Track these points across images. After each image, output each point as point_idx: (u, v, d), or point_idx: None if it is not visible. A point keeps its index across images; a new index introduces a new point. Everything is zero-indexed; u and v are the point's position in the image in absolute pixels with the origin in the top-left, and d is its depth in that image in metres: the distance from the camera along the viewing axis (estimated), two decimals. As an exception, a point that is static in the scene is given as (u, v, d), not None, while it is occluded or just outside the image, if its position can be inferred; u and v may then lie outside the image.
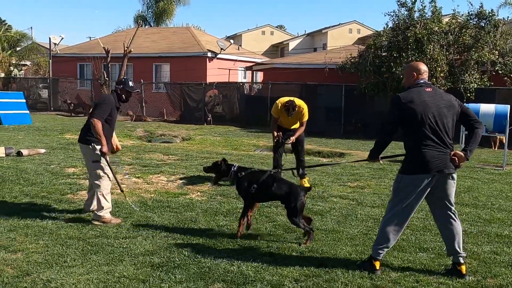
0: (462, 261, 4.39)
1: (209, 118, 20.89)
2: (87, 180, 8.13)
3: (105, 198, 5.85)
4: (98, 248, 4.91)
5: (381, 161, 4.99)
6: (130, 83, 6.16)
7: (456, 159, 4.28)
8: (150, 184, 8.07)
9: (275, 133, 8.20)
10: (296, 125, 8.23)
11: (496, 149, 14.60)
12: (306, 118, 8.19)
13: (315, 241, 5.21)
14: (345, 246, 5.14)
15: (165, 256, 4.69)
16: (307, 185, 8.08)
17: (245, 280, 4.15)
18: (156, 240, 5.18)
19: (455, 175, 4.38)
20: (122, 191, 6.32)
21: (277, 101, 8.27)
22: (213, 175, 5.91)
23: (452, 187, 4.39)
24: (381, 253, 4.48)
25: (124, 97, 6.14)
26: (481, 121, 10.42)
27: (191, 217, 6.11)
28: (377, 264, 4.44)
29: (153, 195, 7.32)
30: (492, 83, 16.58)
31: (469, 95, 15.99)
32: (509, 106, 11.29)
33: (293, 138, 8.07)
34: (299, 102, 8.13)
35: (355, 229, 5.83)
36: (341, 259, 4.75)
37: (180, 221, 5.91)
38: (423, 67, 4.52)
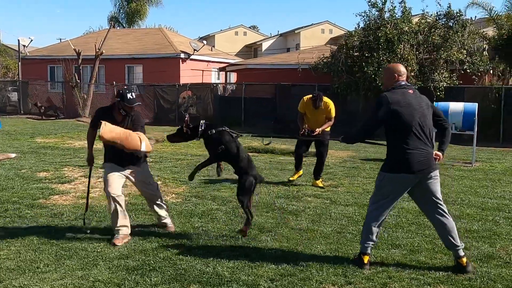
0: (461, 253, 4.51)
1: (186, 119, 20.74)
2: (59, 185, 8.07)
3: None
4: (71, 252, 4.86)
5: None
6: (128, 95, 5.39)
7: (437, 158, 4.48)
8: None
9: (302, 126, 8.31)
10: (323, 121, 8.30)
11: None
12: (333, 114, 8.36)
13: (288, 240, 5.26)
14: (319, 245, 5.21)
15: (140, 259, 4.68)
16: (320, 185, 8.30)
17: (220, 281, 4.17)
18: (131, 244, 5.16)
19: (437, 172, 4.52)
20: (86, 207, 5.83)
21: (303, 97, 8.44)
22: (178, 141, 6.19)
23: (437, 183, 4.54)
24: (368, 247, 4.61)
25: (123, 111, 5.47)
26: (450, 119, 10.70)
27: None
28: (366, 259, 4.57)
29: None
30: (461, 82, 16.98)
31: (438, 93, 16.34)
32: (477, 104, 11.60)
33: (319, 130, 8.14)
34: (325, 98, 8.31)
35: (329, 227, 5.90)
36: (316, 257, 4.80)
37: (154, 224, 5.89)
38: (403, 69, 4.65)
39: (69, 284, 4.07)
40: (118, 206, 5.32)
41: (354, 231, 5.76)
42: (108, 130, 5.13)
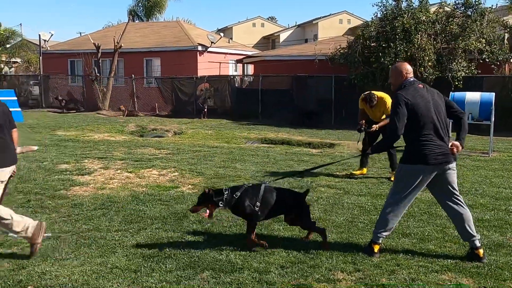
0: (478, 244, 4.58)
1: (205, 111, 21.00)
2: (80, 176, 8.32)
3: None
4: (91, 241, 5.06)
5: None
6: None
7: (455, 149, 4.53)
8: (142, 178, 8.22)
9: (359, 121, 8.42)
10: (383, 117, 8.31)
11: None
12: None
13: (299, 229, 5.37)
14: (330, 234, 5.31)
15: (156, 247, 4.85)
16: (389, 175, 8.37)
17: (233, 268, 4.32)
18: (148, 233, 5.34)
19: (454, 164, 4.59)
20: None
21: (362, 95, 8.51)
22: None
23: (453, 175, 4.62)
24: (380, 237, 4.72)
25: None
26: (467, 108, 10.69)
27: (182, 209, 6.26)
28: (376, 248, 4.68)
29: (144, 188, 7.46)
30: (480, 71, 16.78)
31: (457, 83, 16.18)
32: (494, 93, 11.50)
33: (376, 126, 8.20)
34: (381, 94, 8.29)
35: (341, 217, 6.00)
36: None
37: (171, 214, 6.07)
38: (410, 67, 4.77)
39: (88, 270, 4.26)
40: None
41: (366, 220, 5.86)
42: None
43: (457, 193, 4.68)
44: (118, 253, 4.69)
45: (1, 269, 4.31)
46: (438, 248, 4.91)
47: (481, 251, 4.59)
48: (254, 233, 4.80)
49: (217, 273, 4.22)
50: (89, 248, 4.85)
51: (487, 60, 16.86)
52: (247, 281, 4.04)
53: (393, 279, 4.10)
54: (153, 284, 3.99)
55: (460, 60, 16.62)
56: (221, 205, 4.73)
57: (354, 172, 8.70)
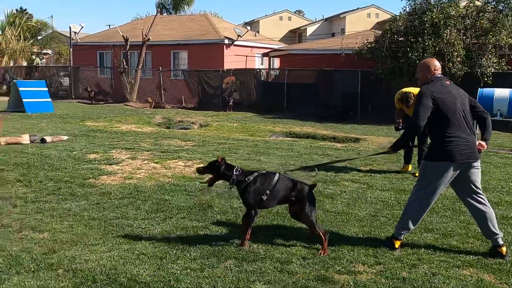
0: (501, 242, 4.58)
1: (230, 104, 21.16)
2: (108, 166, 8.52)
3: None
4: (118, 228, 5.22)
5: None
6: None
7: (481, 148, 4.56)
8: (168, 169, 8.38)
9: (397, 120, 8.51)
10: None
11: None
12: None
13: (322, 222, 5.42)
14: (352, 227, 5.37)
15: (181, 236, 4.98)
16: (414, 170, 8.32)
17: (255, 257, 4.42)
18: (173, 221, 5.48)
19: (478, 162, 4.60)
20: None
21: (397, 93, 8.52)
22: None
23: (477, 174, 4.62)
24: (403, 234, 4.76)
25: None
26: (495, 105, 10.63)
27: (207, 200, 6.38)
28: (397, 244, 4.71)
29: (170, 179, 7.62)
30: (510, 67, 16.46)
31: (486, 79, 15.92)
32: (524, 90, 11.31)
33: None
34: (415, 91, 8.10)
35: (364, 211, 6.04)
36: (348, 239, 4.98)
37: (196, 204, 6.19)
38: (438, 63, 4.80)
39: (116, 256, 4.42)
40: None
41: (388, 215, 5.89)
42: None
43: (480, 191, 4.67)
44: (144, 241, 4.83)
45: (33, 252, 4.49)
46: (461, 244, 4.91)
47: (504, 248, 4.58)
48: (249, 231, 4.70)
49: (240, 262, 4.32)
50: (116, 235, 5.01)
51: (518, 56, 16.54)
52: (269, 271, 4.13)
53: (413, 273, 4.14)
54: (178, 271, 4.12)
55: (490, 56, 16.33)
56: (231, 182, 4.67)
57: (401, 169, 8.71)
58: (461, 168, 4.52)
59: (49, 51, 40.43)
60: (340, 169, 8.62)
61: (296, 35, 50.04)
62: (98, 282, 3.89)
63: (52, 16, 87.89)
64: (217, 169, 4.72)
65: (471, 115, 4.69)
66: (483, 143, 4.61)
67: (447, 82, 4.68)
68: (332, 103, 19.48)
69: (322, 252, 4.52)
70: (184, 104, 23.31)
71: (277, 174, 4.81)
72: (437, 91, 4.51)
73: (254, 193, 4.63)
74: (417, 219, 4.77)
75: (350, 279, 4.00)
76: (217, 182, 4.89)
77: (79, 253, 4.50)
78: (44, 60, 38.67)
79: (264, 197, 4.63)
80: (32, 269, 4.13)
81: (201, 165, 5.31)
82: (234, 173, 4.68)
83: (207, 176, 4.92)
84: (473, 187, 4.62)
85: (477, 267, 4.30)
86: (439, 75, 4.71)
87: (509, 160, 9.93)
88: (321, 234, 4.61)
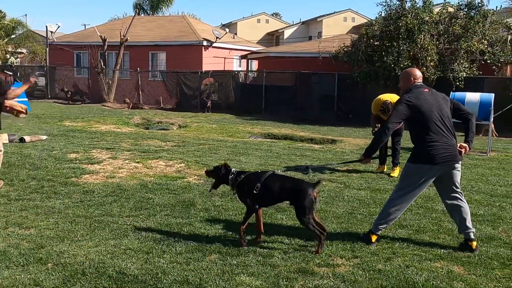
0: (472, 236, 4.85)
1: (208, 105, 21.29)
2: (89, 165, 8.60)
3: None
4: (104, 225, 5.35)
5: (371, 162, 5.43)
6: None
7: (463, 150, 4.79)
8: (149, 169, 8.50)
9: (374, 126, 8.68)
10: None
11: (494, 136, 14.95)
12: None
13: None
14: (331, 224, 5.60)
15: (166, 232, 5.14)
16: (394, 174, 8.43)
17: (239, 252, 4.60)
18: (157, 219, 5.62)
19: (459, 164, 4.85)
20: None
21: (375, 99, 8.72)
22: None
23: (458, 174, 4.88)
24: (380, 229, 5.00)
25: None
26: (467, 108, 10.89)
27: (189, 198, 6.54)
28: (374, 238, 4.96)
29: (152, 178, 7.74)
30: (481, 72, 17.02)
31: (458, 83, 16.42)
32: (493, 94, 11.76)
33: None
34: (392, 98, 8.28)
35: (342, 209, 6.28)
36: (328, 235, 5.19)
37: (178, 202, 6.35)
38: (419, 73, 5.05)
39: (103, 251, 4.55)
40: None
41: (365, 212, 6.14)
42: None
43: (459, 190, 4.95)
44: (130, 236, 4.98)
45: (21, 247, 4.59)
46: (433, 239, 5.18)
47: (474, 243, 4.86)
48: (246, 224, 4.84)
49: (224, 256, 4.50)
50: (102, 231, 5.13)
51: (489, 61, 17.11)
52: (252, 264, 4.32)
53: (388, 265, 4.38)
54: (164, 265, 4.27)
55: (462, 61, 16.86)
56: (230, 185, 4.95)
57: (376, 170, 8.96)
58: (442, 171, 4.77)
59: (24, 50, 39.84)
60: (317, 170, 8.86)
61: (273, 37, 50.38)
62: (87, 275, 4.02)
63: (26, 14, 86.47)
64: (217, 174, 5.05)
65: (456, 117, 4.96)
66: (465, 145, 4.83)
67: (426, 90, 4.92)
68: (309, 105, 19.80)
69: (315, 251, 4.63)
70: (162, 105, 23.34)
71: (270, 171, 5.02)
72: (413, 98, 4.77)
73: (246, 189, 4.83)
74: (395, 217, 5.02)
75: (329, 271, 4.22)
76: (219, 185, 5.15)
77: (66, 248, 4.62)
78: (18, 59, 38.09)
79: (256, 191, 4.75)
80: (22, 263, 4.24)
81: (210, 168, 5.47)
82: (230, 176, 4.93)
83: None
84: (454, 186, 4.89)
85: (447, 260, 4.57)
86: (418, 84, 4.96)
87: (479, 161, 10.32)
88: (316, 234, 4.66)
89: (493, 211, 6.37)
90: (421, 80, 5.00)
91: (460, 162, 4.84)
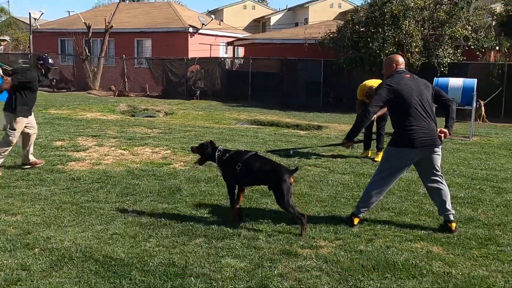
0: (452, 218, 4.98)
1: (197, 93, 21.28)
2: (75, 152, 8.60)
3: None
4: (90, 211, 5.40)
5: (353, 147, 5.51)
6: (50, 60, 7.30)
7: (442, 135, 4.87)
8: (135, 156, 8.53)
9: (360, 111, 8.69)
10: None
11: (481, 122, 15.21)
12: None
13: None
14: (315, 207, 5.71)
15: (152, 217, 5.20)
16: (378, 159, 8.44)
17: (224, 235, 4.69)
18: (143, 204, 5.68)
19: (439, 148, 4.95)
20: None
21: (361, 85, 8.82)
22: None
23: (438, 158, 4.98)
24: (362, 212, 5.12)
25: (44, 71, 7.23)
26: (450, 94, 11.03)
27: (175, 184, 6.60)
28: (356, 221, 5.08)
29: (138, 165, 7.78)
30: (465, 58, 17.19)
31: (442, 69, 16.59)
32: (476, 80, 11.91)
33: (375, 116, 8.48)
34: (378, 84, 8.42)
35: (326, 193, 6.39)
36: (311, 218, 5.28)
37: (165, 188, 6.41)
38: (401, 59, 5.14)
39: (90, 236, 4.61)
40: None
41: (348, 196, 6.25)
42: None
43: (439, 173, 5.07)
44: (117, 222, 5.03)
45: (8, 233, 4.63)
46: (414, 221, 5.31)
47: (453, 224, 5.00)
48: (236, 206, 5.07)
49: (210, 240, 4.58)
50: (89, 217, 5.18)
51: (473, 47, 17.28)
52: (237, 246, 4.41)
53: (370, 246, 4.50)
54: (151, 248, 4.35)
55: (446, 47, 17.01)
56: (216, 161, 5.19)
57: (361, 155, 9.06)
58: (422, 155, 4.88)
59: (7, 38, 39.30)
60: (303, 155, 8.96)
61: (260, 24, 50.18)
62: (74, 259, 4.08)
63: (8, 1, 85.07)
64: (203, 150, 5.30)
65: (437, 103, 5.06)
66: (445, 130, 4.91)
67: (407, 75, 5.01)
68: (295, 91, 19.87)
69: (299, 234, 4.73)
70: (148, 93, 23.25)
71: (253, 152, 5.26)
72: (394, 83, 4.86)
73: (229, 166, 5.06)
74: (376, 199, 5.14)
75: (312, 253, 4.33)
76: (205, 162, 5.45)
77: (53, 234, 4.67)
78: (1, 46, 37.58)
79: (238, 169, 4.96)
80: (9, 249, 4.28)
81: (195, 144, 5.70)
82: (217, 153, 5.17)
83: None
84: (434, 170, 5.01)
85: (427, 241, 4.70)
86: (400, 70, 5.05)
87: (461, 146, 10.50)
88: (297, 216, 4.77)
89: (473, 193, 6.52)
90: (403, 66, 5.08)
91: (440, 146, 4.95)
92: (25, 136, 7.28)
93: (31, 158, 7.41)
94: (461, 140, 11.36)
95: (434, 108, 5.00)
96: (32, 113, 7.36)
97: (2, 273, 3.81)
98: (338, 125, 13.80)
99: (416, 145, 4.78)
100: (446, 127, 4.94)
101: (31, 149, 7.42)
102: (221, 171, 5.27)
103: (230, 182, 5.12)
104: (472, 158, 9.08)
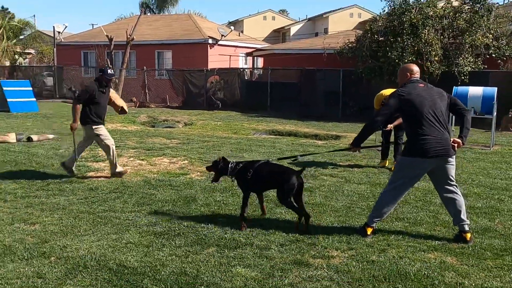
0: (466, 228, 4.94)
1: (217, 104, 21.47)
2: (94, 163, 8.75)
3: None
4: (106, 220, 5.49)
5: (360, 152, 5.56)
6: (109, 71, 7.69)
7: (456, 145, 4.85)
8: (153, 166, 8.64)
9: None
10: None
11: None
12: None
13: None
14: (329, 217, 5.70)
15: (166, 226, 5.27)
16: (390, 166, 8.65)
17: (236, 245, 4.72)
18: (159, 214, 5.76)
19: (452, 158, 4.92)
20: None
21: (378, 95, 8.88)
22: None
23: (452, 167, 4.96)
24: (375, 222, 5.11)
25: (104, 82, 7.63)
26: (469, 103, 10.93)
27: (191, 194, 6.67)
28: (369, 230, 5.06)
29: (156, 175, 7.88)
30: (486, 66, 16.98)
31: (463, 78, 16.40)
32: (496, 88, 11.76)
33: (390, 126, 8.59)
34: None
35: (340, 203, 6.38)
36: (324, 228, 5.30)
37: (180, 197, 6.47)
38: (416, 68, 5.13)
39: (105, 245, 4.69)
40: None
41: (363, 206, 6.23)
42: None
43: (454, 183, 5.03)
44: (132, 231, 5.11)
45: (26, 242, 4.74)
46: (428, 231, 5.27)
47: (468, 234, 4.94)
48: (245, 210, 5.37)
49: (222, 249, 4.62)
50: (105, 226, 5.27)
51: (494, 55, 17.06)
52: (248, 256, 4.44)
53: (382, 257, 4.48)
54: (164, 257, 4.40)
55: (466, 55, 16.83)
56: (229, 173, 5.50)
57: (378, 164, 9.06)
58: (435, 164, 4.86)
59: (32, 51, 40.24)
60: (320, 165, 8.96)
61: (280, 34, 50.42)
62: (89, 268, 4.16)
63: (34, 15, 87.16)
64: (216, 167, 5.62)
65: (453, 112, 5.05)
66: (458, 140, 4.87)
67: (421, 84, 5.00)
68: (314, 101, 19.86)
69: (304, 228, 5.13)
70: (168, 103, 23.50)
71: (264, 160, 5.70)
72: (406, 93, 4.86)
73: (242, 175, 5.38)
74: (389, 209, 5.12)
75: (323, 262, 4.33)
76: (221, 177, 5.77)
77: (69, 242, 4.76)
78: (27, 59, 38.49)
79: (249, 176, 5.29)
80: (26, 257, 4.39)
81: (209, 164, 6.11)
82: (230, 165, 5.49)
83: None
84: (448, 180, 4.98)
85: (441, 251, 4.66)
86: (414, 79, 5.04)
87: (481, 155, 10.36)
88: (296, 211, 5.21)
89: (491, 203, 6.44)
90: (418, 76, 5.07)
91: (453, 156, 4.91)
92: (106, 148, 7.59)
93: (119, 168, 7.69)
94: (482, 149, 11.22)
95: (447, 118, 4.97)
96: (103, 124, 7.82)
97: (19, 281, 3.91)
98: (357, 135, 13.72)
99: (428, 155, 4.75)
100: (460, 137, 4.91)
101: (114, 160, 7.64)
102: (236, 180, 5.55)
103: (245, 189, 5.45)
104: (492, 168, 8.96)
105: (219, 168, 5.58)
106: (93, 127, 7.49)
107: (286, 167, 5.60)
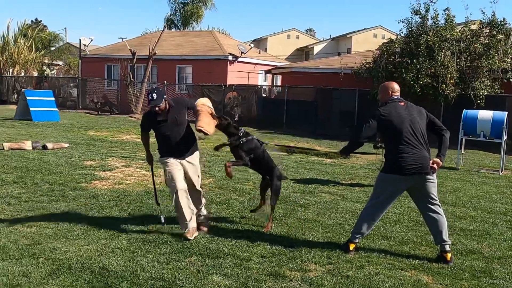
0: (447, 248, 4.99)
1: (235, 118, 21.74)
2: (101, 172, 9.02)
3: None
4: (100, 226, 5.70)
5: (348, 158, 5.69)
6: (149, 96, 5.79)
7: (435, 165, 4.94)
8: (157, 177, 8.76)
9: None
10: None
11: None
12: None
13: (289, 227, 5.89)
14: (316, 233, 5.80)
15: (155, 235, 5.44)
16: None
17: (218, 255, 4.87)
18: (152, 222, 5.94)
19: (432, 176, 5.00)
20: (157, 203, 6.19)
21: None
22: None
23: (432, 186, 5.02)
24: (357, 238, 5.20)
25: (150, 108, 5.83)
26: (479, 126, 10.89)
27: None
28: (351, 246, 5.16)
29: (157, 186, 8.05)
30: (503, 91, 16.85)
31: (479, 101, 16.31)
32: (506, 112, 11.69)
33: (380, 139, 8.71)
34: None
35: (332, 220, 6.47)
36: (309, 243, 5.40)
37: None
38: (396, 86, 5.27)
39: (93, 249, 4.89)
40: (185, 199, 5.41)
41: (354, 223, 6.27)
42: (207, 124, 5.88)
43: (436, 202, 5.09)
44: (122, 237, 5.30)
45: (19, 243, 4.98)
46: (413, 250, 5.32)
47: (449, 255, 4.99)
48: (232, 164, 6.04)
49: (204, 258, 4.77)
50: (98, 232, 5.48)
51: (511, 80, 16.93)
52: (227, 266, 4.58)
53: (358, 272, 4.56)
54: (146, 263, 4.58)
55: (483, 79, 16.75)
56: (234, 138, 6.05)
57: None
58: (413, 182, 4.95)
59: (60, 62, 41.42)
60: (321, 182, 9.06)
61: (303, 53, 50.77)
62: (73, 269, 4.36)
63: (66, 28, 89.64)
64: (226, 126, 6.19)
65: (432, 131, 5.14)
66: (437, 159, 4.96)
67: (401, 103, 5.12)
68: (330, 120, 19.96)
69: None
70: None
71: (259, 142, 6.22)
72: (386, 112, 4.99)
73: (245, 148, 6.02)
74: (370, 225, 5.21)
75: (299, 275, 4.43)
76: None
77: (60, 245, 4.98)
78: (54, 70, 39.59)
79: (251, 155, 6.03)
80: (16, 257, 4.61)
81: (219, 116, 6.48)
82: (240, 130, 6.13)
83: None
84: (429, 199, 5.05)
85: (419, 270, 4.72)
86: (395, 98, 5.16)
87: (488, 179, 10.29)
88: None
89: (484, 227, 6.44)
90: (398, 94, 5.18)
91: (434, 174, 4.98)
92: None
93: (203, 211, 6.03)
94: (490, 173, 11.14)
95: (425, 135, 5.04)
96: (188, 157, 6.15)
97: (5, 278, 4.12)
98: (368, 155, 13.75)
99: (405, 172, 4.85)
100: (438, 156, 4.99)
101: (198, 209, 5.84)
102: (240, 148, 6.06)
103: (245, 158, 6.06)
104: (495, 192, 8.91)
105: (230, 124, 6.10)
106: (159, 159, 6.18)
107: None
